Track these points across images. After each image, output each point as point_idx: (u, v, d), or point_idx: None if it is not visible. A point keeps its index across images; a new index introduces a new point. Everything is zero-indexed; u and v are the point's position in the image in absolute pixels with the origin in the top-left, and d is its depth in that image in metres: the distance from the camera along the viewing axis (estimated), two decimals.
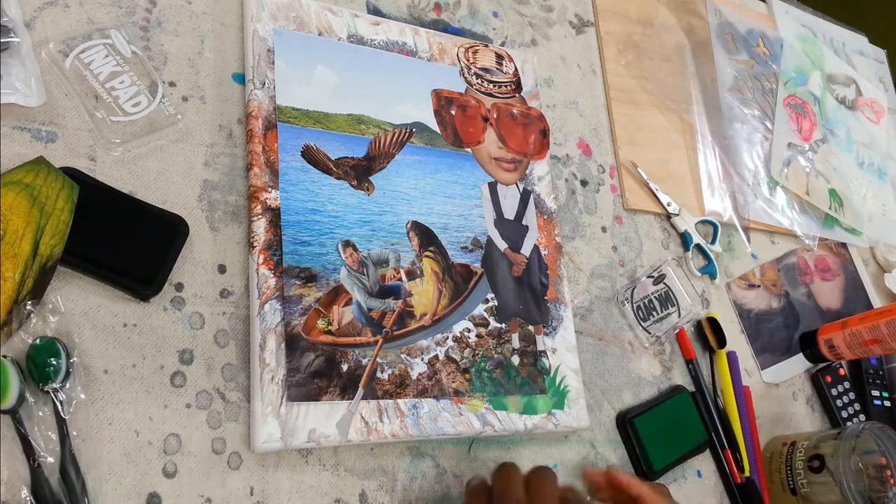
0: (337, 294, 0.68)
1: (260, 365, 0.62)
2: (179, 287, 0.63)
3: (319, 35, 0.77)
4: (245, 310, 0.65)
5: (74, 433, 0.56)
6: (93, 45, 0.66)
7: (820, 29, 1.31)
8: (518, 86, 0.87)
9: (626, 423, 0.79)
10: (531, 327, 0.76)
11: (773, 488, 0.86)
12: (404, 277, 0.72)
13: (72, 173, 0.60)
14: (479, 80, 0.85)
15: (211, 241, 0.66)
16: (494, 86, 0.85)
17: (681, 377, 0.87)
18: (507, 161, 0.83)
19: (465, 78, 0.84)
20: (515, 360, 0.74)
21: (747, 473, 0.84)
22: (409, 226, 0.74)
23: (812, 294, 1.05)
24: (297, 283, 0.66)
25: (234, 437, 0.61)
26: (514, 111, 0.86)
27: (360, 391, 0.65)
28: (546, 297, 0.78)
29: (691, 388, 0.86)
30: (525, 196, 0.82)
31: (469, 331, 0.73)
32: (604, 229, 0.90)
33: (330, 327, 0.66)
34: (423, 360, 0.69)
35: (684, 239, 0.95)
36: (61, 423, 0.55)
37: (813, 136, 1.15)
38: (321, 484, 0.64)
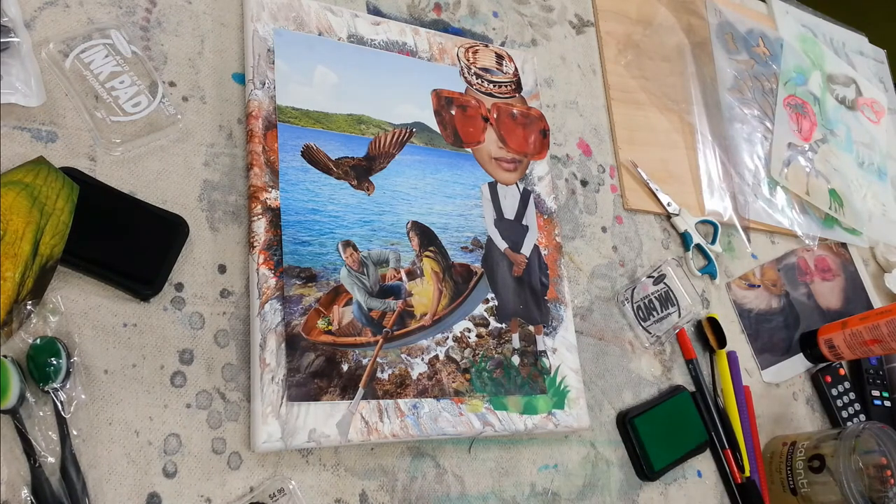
0: (337, 294, 0.68)
1: (260, 365, 0.62)
2: (179, 287, 0.63)
3: (319, 35, 0.77)
4: (245, 310, 0.65)
5: (75, 433, 0.56)
6: (93, 45, 0.66)
7: (820, 29, 1.31)
8: (518, 86, 0.87)
9: (627, 422, 0.79)
10: (531, 327, 0.76)
11: (773, 488, 0.86)
12: (404, 277, 0.72)
13: (72, 173, 0.60)
14: (480, 80, 0.85)
15: (211, 241, 0.66)
16: (494, 86, 0.85)
17: (681, 377, 0.87)
18: (507, 161, 0.83)
19: (465, 78, 0.84)
20: (516, 360, 0.74)
21: (747, 473, 0.84)
22: (409, 226, 0.74)
23: (812, 294, 1.05)
24: (298, 282, 0.66)
25: (235, 437, 0.61)
26: (515, 111, 0.86)
27: (361, 391, 0.65)
28: (546, 297, 0.78)
29: (691, 388, 0.86)
30: (525, 196, 0.82)
31: (469, 331, 0.73)
32: (604, 229, 0.90)
33: (330, 327, 0.66)
34: (423, 360, 0.69)
35: (684, 239, 0.95)
36: (62, 423, 0.55)
37: (813, 136, 1.15)
38: (321, 484, 0.64)
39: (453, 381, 0.70)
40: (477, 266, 0.76)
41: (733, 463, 0.84)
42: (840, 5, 1.62)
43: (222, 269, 0.66)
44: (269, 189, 0.68)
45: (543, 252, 0.81)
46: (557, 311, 0.79)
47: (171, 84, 0.69)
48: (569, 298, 0.80)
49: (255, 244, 0.66)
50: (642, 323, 0.86)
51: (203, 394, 0.61)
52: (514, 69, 0.88)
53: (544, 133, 0.87)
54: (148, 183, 0.65)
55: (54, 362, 0.55)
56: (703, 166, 1.01)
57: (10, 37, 0.61)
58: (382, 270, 0.71)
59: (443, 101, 0.81)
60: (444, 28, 0.88)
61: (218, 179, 0.68)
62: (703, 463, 0.84)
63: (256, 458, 0.62)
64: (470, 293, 0.74)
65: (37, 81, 0.61)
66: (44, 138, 0.62)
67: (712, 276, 0.95)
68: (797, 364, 0.98)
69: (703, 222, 0.97)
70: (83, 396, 0.57)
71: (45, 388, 0.55)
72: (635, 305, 0.86)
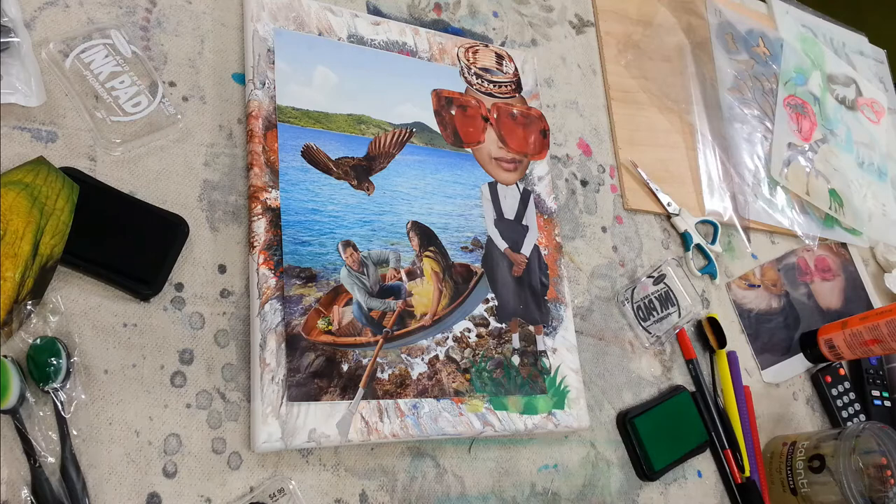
0: (337, 294, 0.68)
1: (260, 365, 0.62)
2: (179, 287, 0.63)
3: (319, 35, 0.77)
4: (245, 310, 0.65)
5: (75, 433, 0.56)
6: (93, 45, 0.66)
7: (820, 29, 1.31)
8: (518, 86, 0.87)
9: (627, 423, 0.79)
10: (531, 327, 0.76)
11: (773, 488, 0.86)
12: (404, 277, 0.72)
13: (72, 173, 0.60)
14: (480, 80, 0.85)
15: (211, 241, 0.66)
16: (494, 86, 0.85)
17: (681, 377, 0.87)
18: (507, 161, 0.83)
19: (466, 78, 0.84)
20: (516, 360, 0.74)
21: (747, 473, 0.84)
22: (409, 226, 0.74)
23: (812, 294, 1.05)
24: (298, 282, 0.66)
25: (235, 437, 0.61)
26: (514, 111, 0.86)
27: (361, 391, 0.65)
28: (546, 297, 0.78)
29: (691, 388, 0.86)
30: (525, 196, 0.82)
31: (469, 331, 0.73)
32: (604, 229, 0.90)
33: (330, 327, 0.66)
34: (423, 360, 0.69)
35: (684, 239, 0.95)
36: (62, 423, 0.55)
37: (813, 136, 1.15)
38: (321, 484, 0.64)
39: (453, 381, 0.70)
40: (477, 266, 0.76)
41: (733, 463, 0.84)
42: (840, 5, 1.62)
43: (222, 269, 0.66)
44: (269, 189, 0.68)
45: (543, 252, 0.81)
46: (557, 311, 0.79)
47: (171, 84, 0.69)
48: (569, 298, 0.80)
49: (255, 244, 0.66)
50: (642, 323, 0.86)
51: (203, 394, 0.61)
52: (514, 69, 0.88)
53: (544, 133, 0.87)
54: (148, 183, 0.65)
55: (54, 362, 0.55)
56: (703, 166, 1.01)
57: (10, 37, 0.61)
58: (382, 270, 0.71)
59: (443, 101, 0.81)
60: (444, 28, 0.88)
61: (218, 179, 0.68)
62: (703, 463, 0.84)
63: (256, 458, 0.62)
64: (470, 293, 0.74)
65: (37, 81, 0.61)
66: (44, 138, 0.62)
67: (712, 276, 0.95)
68: (797, 364, 0.98)
69: (703, 222, 0.97)
70: (83, 396, 0.57)
71: (45, 388, 0.55)
72: (635, 305, 0.86)
